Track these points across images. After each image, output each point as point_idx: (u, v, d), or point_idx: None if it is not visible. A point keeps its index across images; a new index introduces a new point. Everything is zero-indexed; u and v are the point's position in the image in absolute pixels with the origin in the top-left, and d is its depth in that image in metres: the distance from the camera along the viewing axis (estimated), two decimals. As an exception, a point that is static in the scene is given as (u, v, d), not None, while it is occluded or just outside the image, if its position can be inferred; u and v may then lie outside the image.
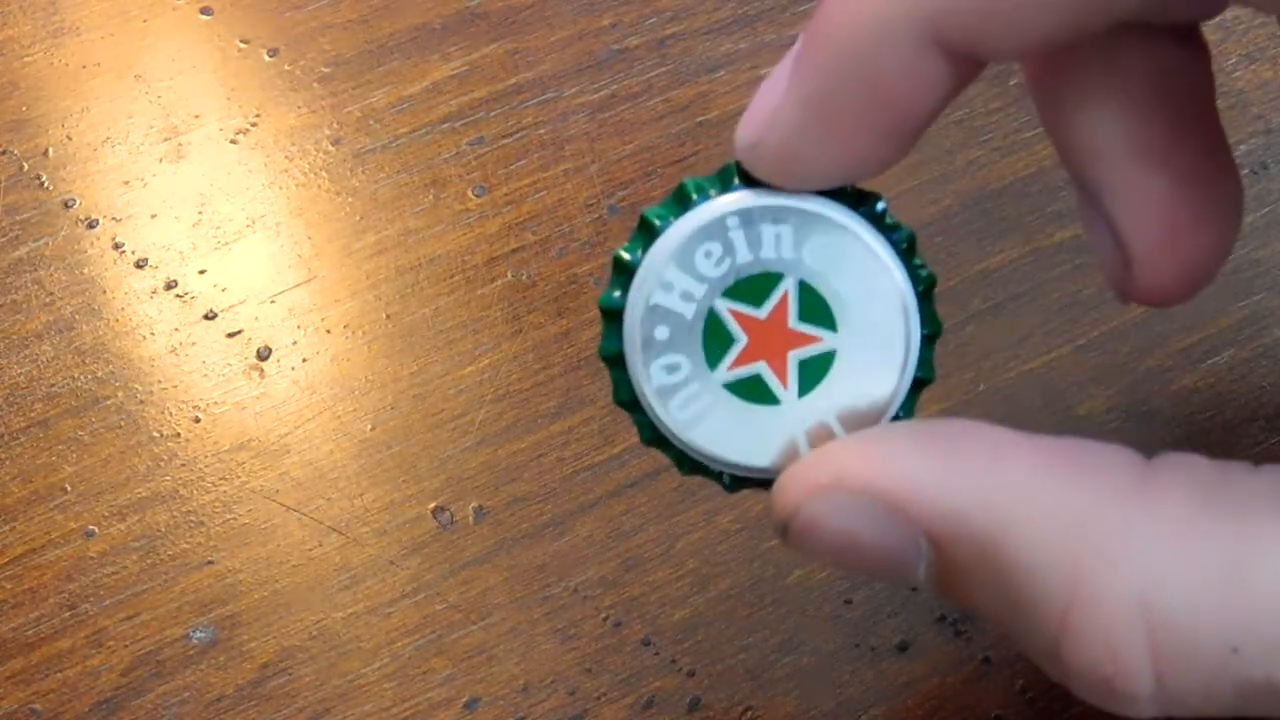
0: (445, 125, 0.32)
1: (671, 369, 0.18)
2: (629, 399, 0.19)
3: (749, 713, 0.26)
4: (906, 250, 0.18)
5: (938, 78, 0.17)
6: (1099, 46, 0.18)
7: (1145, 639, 0.15)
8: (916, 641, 0.26)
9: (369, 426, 0.28)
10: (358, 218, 0.31)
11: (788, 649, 0.26)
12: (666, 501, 0.27)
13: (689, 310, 0.18)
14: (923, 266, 0.18)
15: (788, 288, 0.18)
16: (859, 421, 0.18)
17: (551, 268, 0.30)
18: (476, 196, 0.31)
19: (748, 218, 0.18)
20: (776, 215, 0.18)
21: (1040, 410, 0.28)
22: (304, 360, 0.29)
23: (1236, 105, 0.32)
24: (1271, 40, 0.33)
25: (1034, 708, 0.26)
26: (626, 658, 0.26)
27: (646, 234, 0.18)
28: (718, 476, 0.19)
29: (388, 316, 0.30)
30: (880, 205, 0.18)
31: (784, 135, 0.17)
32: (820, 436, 0.18)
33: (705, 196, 0.18)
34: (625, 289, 0.18)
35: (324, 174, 0.31)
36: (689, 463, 0.19)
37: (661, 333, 0.18)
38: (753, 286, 0.18)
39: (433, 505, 0.28)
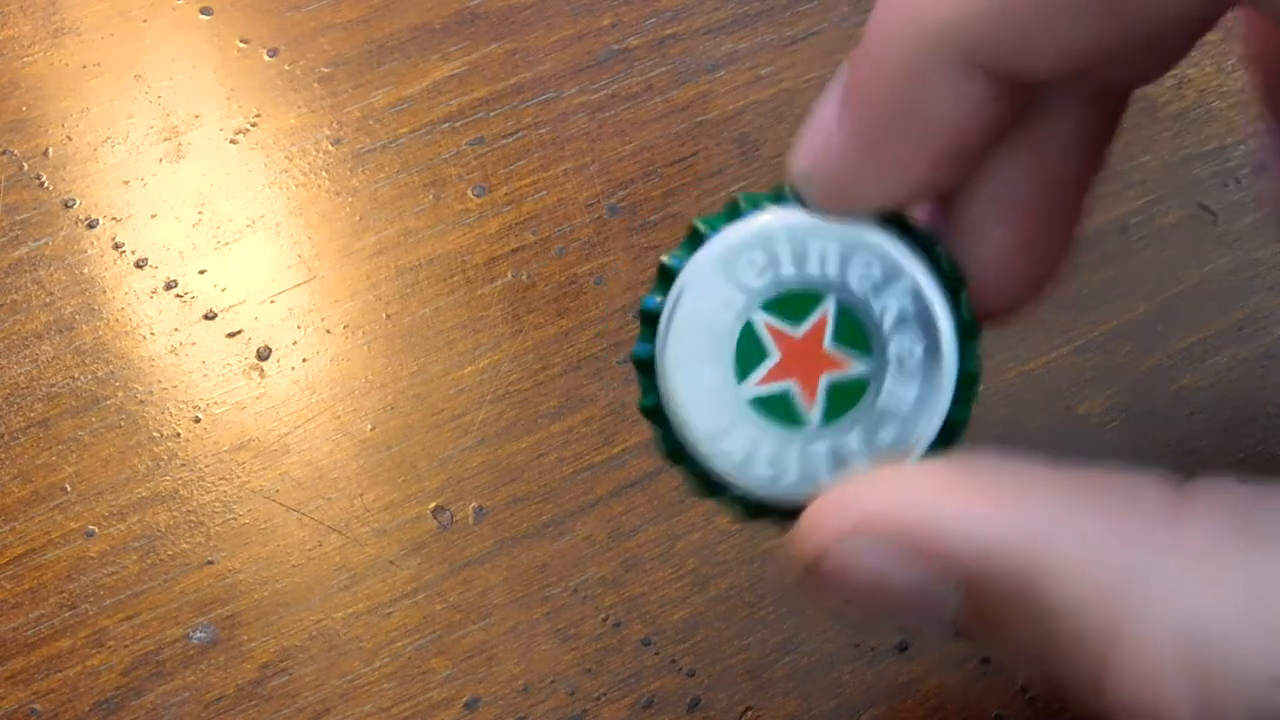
0: (445, 125, 0.32)
1: (699, 379, 0.18)
2: (654, 408, 0.18)
3: (749, 713, 0.26)
4: (955, 289, 0.18)
5: (983, 101, 0.17)
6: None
7: (1187, 676, 0.15)
8: (916, 641, 0.26)
9: (369, 426, 0.28)
10: (358, 218, 0.31)
11: (788, 649, 0.26)
12: (666, 501, 0.27)
13: (726, 319, 0.18)
14: (972, 311, 0.18)
15: (827, 309, 0.18)
16: (885, 456, 0.18)
17: (551, 268, 0.30)
18: (476, 196, 0.31)
19: (796, 233, 0.18)
20: (825, 234, 0.18)
21: (1040, 410, 0.28)
22: (304, 360, 0.29)
23: (1236, 105, 0.32)
24: (1271, 40, 0.33)
25: (1034, 708, 0.26)
26: (626, 658, 0.26)
27: (665, 282, 0.18)
28: (733, 506, 0.18)
29: (388, 316, 0.30)
30: (934, 243, 0.18)
31: (837, 165, 0.17)
32: (843, 468, 0.18)
33: (758, 209, 0.18)
34: (653, 339, 0.18)
35: (324, 174, 0.31)
36: (708, 485, 0.18)
37: (696, 339, 0.18)
38: (793, 303, 0.18)
39: (433, 505, 0.28)
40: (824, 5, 0.33)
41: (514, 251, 0.30)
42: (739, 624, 0.26)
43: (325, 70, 0.33)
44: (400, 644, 0.26)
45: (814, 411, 0.18)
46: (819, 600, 0.17)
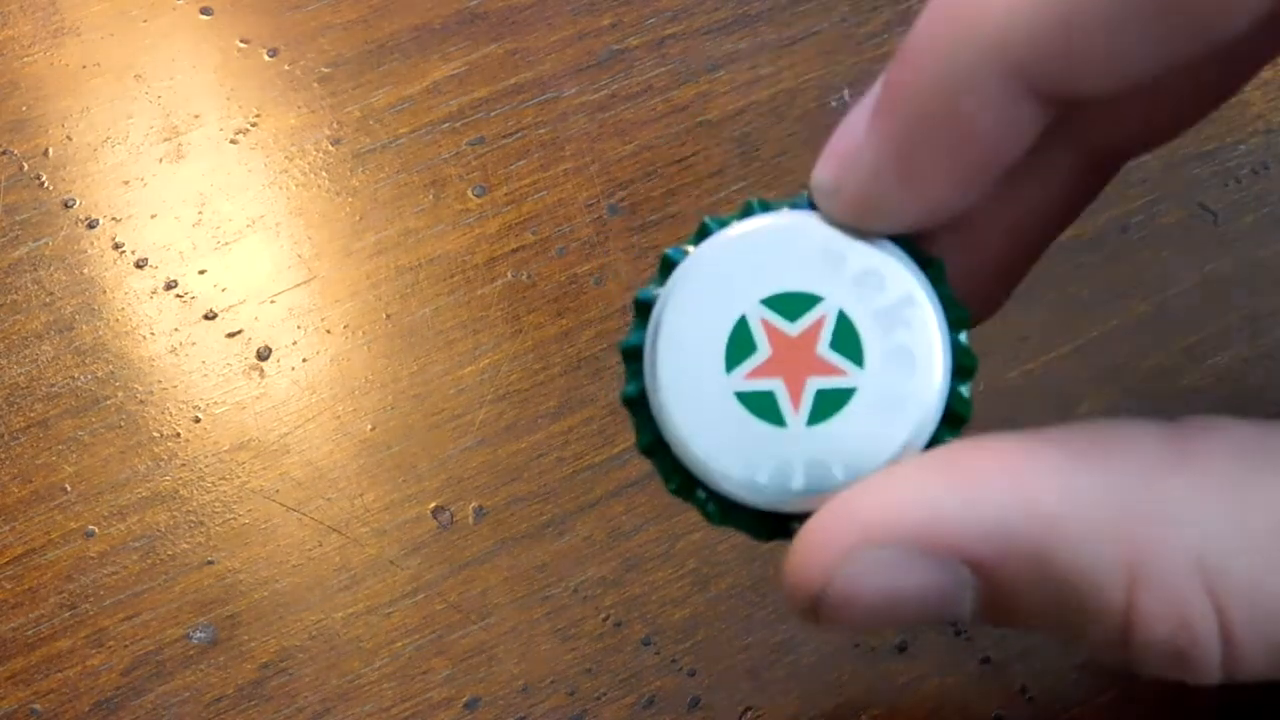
0: (445, 125, 0.32)
1: (686, 366, 0.18)
2: (647, 433, 0.18)
3: (749, 713, 0.26)
4: (955, 323, 0.18)
5: (1027, 120, 0.16)
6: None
7: (1210, 605, 0.15)
8: (916, 641, 0.26)
9: (369, 426, 0.28)
10: (358, 218, 0.31)
11: (788, 649, 0.26)
12: (666, 501, 0.27)
13: (720, 308, 0.18)
14: (968, 349, 0.18)
15: (826, 312, 0.18)
16: (859, 468, 0.17)
17: (551, 268, 0.30)
18: (476, 196, 0.31)
19: (809, 238, 0.18)
20: (838, 245, 0.18)
21: (1040, 410, 0.28)
22: (304, 360, 0.29)
23: (1236, 105, 0.32)
24: (1271, 40, 0.33)
25: (1034, 707, 0.26)
26: (626, 658, 0.26)
27: (665, 274, 0.18)
28: (703, 505, 0.18)
29: (388, 316, 0.30)
30: (941, 272, 0.18)
31: (863, 180, 0.17)
32: (818, 474, 0.17)
33: (770, 209, 0.18)
34: (644, 330, 0.18)
35: (324, 174, 0.31)
36: (678, 478, 0.18)
37: (689, 329, 0.18)
38: (792, 302, 0.18)
39: (433, 505, 0.28)
40: (823, 5, 0.33)
41: (514, 251, 0.30)
42: (739, 624, 0.26)
43: (325, 70, 0.33)
44: (400, 644, 0.26)
45: (798, 415, 0.18)
46: (833, 626, 0.17)
